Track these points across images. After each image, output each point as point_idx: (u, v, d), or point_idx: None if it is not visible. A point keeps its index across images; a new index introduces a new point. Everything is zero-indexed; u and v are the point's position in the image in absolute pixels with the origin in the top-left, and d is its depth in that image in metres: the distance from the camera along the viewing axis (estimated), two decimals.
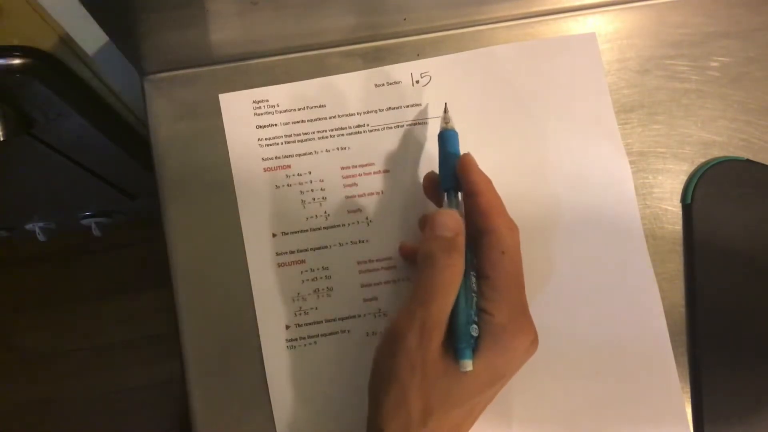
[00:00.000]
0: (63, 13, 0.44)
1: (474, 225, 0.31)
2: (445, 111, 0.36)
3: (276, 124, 0.40)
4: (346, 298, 0.38)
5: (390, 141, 0.40)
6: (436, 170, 0.39)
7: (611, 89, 0.40)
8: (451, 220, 0.30)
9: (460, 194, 0.33)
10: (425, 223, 0.32)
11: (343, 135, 0.40)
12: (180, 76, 0.41)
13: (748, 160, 0.39)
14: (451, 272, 0.29)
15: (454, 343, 0.28)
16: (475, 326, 0.29)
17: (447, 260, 0.29)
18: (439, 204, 0.34)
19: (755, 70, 0.41)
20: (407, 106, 0.40)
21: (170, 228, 0.39)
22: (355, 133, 0.40)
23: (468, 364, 0.28)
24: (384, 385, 0.29)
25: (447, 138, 0.35)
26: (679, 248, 0.38)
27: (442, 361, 0.28)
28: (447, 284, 0.29)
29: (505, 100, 0.40)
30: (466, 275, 0.29)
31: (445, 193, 0.33)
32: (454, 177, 0.33)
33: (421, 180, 0.39)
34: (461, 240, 0.30)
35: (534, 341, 0.30)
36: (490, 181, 0.32)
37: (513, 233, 0.30)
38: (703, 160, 0.40)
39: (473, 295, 0.29)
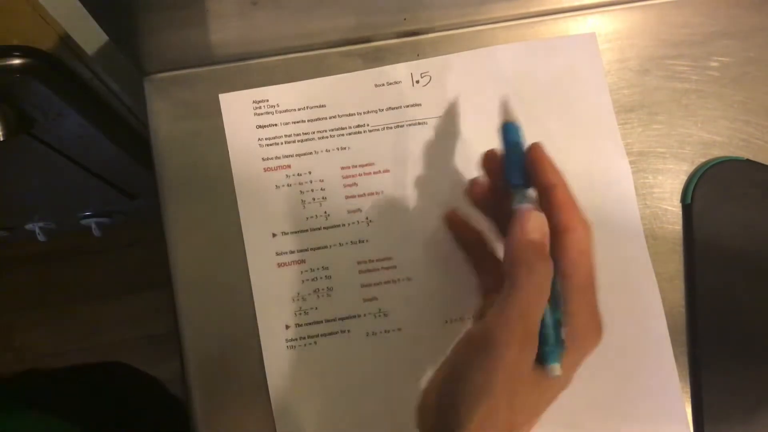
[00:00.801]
0: (63, 13, 0.44)
1: (549, 220, 0.29)
2: (505, 103, 0.33)
3: (276, 124, 0.40)
4: (346, 298, 0.38)
5: (390, 141, 0.40)
6: (436, 170, 0.39)
7: (611, 89, 0.40)
8: (541, 223, 0.29)
9: (530, 189, 0.31)
10: (457, 222, 0.32)
11: (343, 135, 0.40)
12: (180, 76, 0.41)
13: (748, 160, 0.39)
14: (548, 279, 0.28)
15: (542, 347, 0.27)
16: (564, 329, 0.28)
17: (544, 267, 0.28)
18: (488, 213, 0.33)
19: (755, 70, 0.41)
20: (407, 106, 0.40)
21: (170, 228, 0.39)
22: (355, 133, 0.40)
23: (557, 368, 0.27)
24: (474, 398, 0.27)
25: (512, 130, 0.32)
26: (679, 248, 0.38)
27: (534, 371, 0.27)
28: (545, 292, 0.28)
29: (505, 101, 0.40)
30: None
31: (517, 191, 0.30)
32: (524, 171, 0.31)
33: (421, 179, 0.39)
34: (548, 242, 0.29)
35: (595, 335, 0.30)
36: (561, 173, 0.30)
37: (589, 232, 0.29)
38: (703, 160, 0.40)
39: (558, 297, 0.28)
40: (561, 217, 0.29)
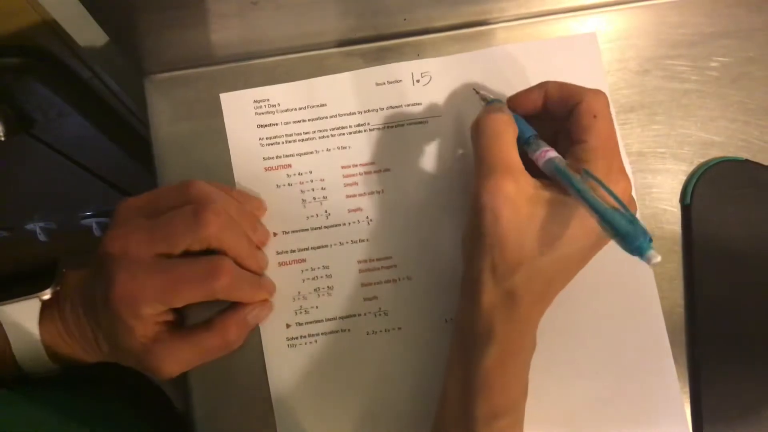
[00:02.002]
0: (63, 13, 0.44)
1: (567, 110, 0.32)
2: (477, 92, 0.38)
3: (277, 124, 0.40)
4: (347, 297, 0.38)
5: (391, 140, 0.40)
6: (437, 169, 0.39)
7: (611, 89, 0.40)
8: (488, 107, 0.34)
9: (541, 143, 0.32)
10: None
11: (343, 134, 0.40)
12: (180, 76, 0.41)
13: (747, 160, 0.39)
14: (494, 121, 0.32)
15: (631, 243, 0.25)
16: (620, 212, 0.26)
17: (489, 115, 0.32)
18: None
19: (755, 70, 0.41)
20: (408, 105, 0.40)
21: None
22: (356, 132, 0.40)
23: (656, 255, 0.24)
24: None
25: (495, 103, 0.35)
26: (679, 248, 0.39)
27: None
28: (497, 133, 0.31)
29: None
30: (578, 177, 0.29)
31: (531, 143, 0.33)
32: (526, 124, 0.34)
33: (422, 179, 0.39)
34: (503, 107, 0.33)
35: (631, 200, 0.31)
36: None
37: (601, 97, 0.32)
38: (702, 160, 0.40)
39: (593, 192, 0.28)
40: (570, 97, 0.32)
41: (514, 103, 0.35)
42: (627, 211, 0.26)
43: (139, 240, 0.32)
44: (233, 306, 0.36)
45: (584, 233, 0.30)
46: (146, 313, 0.32)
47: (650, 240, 0.25)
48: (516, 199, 0.29)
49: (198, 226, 0.32)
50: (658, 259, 0.24)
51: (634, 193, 0.38)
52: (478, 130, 0.32)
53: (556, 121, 0.34)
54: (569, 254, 0.30)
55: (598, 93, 0.32)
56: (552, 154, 0.31)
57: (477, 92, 0.38)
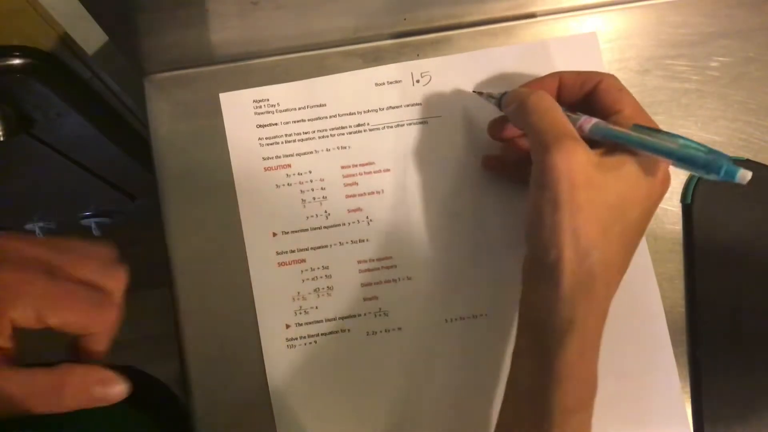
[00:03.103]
0: (63, 13, 0.44)
1: (586, 93, 0.33)
2: (480, 94, 0.38)
3: (276, 124, 0.40)
4: (347, 297, 0.38)
5: (390, 140, 0.40)
6: (437, 170, 0.39)
7: None
8: (516, 90, 0.34)
9: (574, 116, 0.32)
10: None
11: (343, 134, 0.40)
12: (180, 76, 0.41)
13: (748, 160, 0.39)
14: (544, 97, 0.31)
15: (719, 170, 0.25)
16: (691, 145, 0.26)
17: (534, 94, 0.31)
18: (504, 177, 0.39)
19: (755, 70, 0.41)
20: (407, 106, 0.40)
21: (170, 228, 0.39)
22: (356, 132, 0.40)
23: (747, 173, 0.24)
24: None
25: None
26: (679, 248, 0.38)
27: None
28: (550, 107, 0.31)
29: None
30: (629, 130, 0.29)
31: (568, 115, 0.32)
32: None
33: (422, 179, 0.39)
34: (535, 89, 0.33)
35: (667, 177, 0.31)
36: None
37: (616, 78, 0.33)
38: None
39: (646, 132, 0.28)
40: (588, 80, 0.33)
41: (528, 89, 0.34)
42: (700, 144, 0.26)
43: None
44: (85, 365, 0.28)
45: (646, 194, 0.29)
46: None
47: (732, 160, 0.25)
48: (588, 165, 0.28)
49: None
50: (750, 175, 0.24)
51: None
52: (527, 108, 0.31)
53: (571, 107, 0.33)
54: (637, 220, 0.29)
55: (612, 75, 0.33)
56: (593, 120, 0.30)
57: (480, 93, 0.38)
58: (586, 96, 0.33)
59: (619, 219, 0.28)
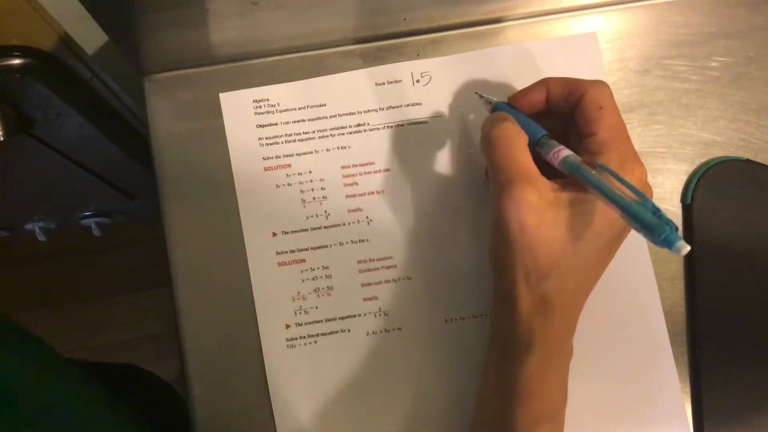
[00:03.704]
0: (63, 13, 0.44)
1: (571, 106, 0.32)
2: (481, 97, 0.37)
3: (276, 124, 0.40)
4: (347, 297, 0.38)
5: (390, 140, 0.40)
6: (437, 170, 0.39)
7: (611, 89, 0.40)
8: (491, 115, 0.33)
9: (553, 143, 0.32)
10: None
11: (343, 134, 0.40)
12: (180, 76, 0.41)
13: (748, 160, 0.39)
14: (505, 131, 0.31)
15: (657, 236, 0.25)
16: (641, 203, 0.26)
17: (497, 126, 0.31)
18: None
19: (755, 70, 0.41)
20: (408, 105, 0.40)
21: (170, 228, 0.39)
22: (356, 132, 0.40)
23: (684, 244, 0.24)
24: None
25: (503, 107, 0.35)
26: None
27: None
28: (509, 143, 0.31)
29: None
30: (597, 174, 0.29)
31: (544, 144, 0.32)
32: (536, 125, 0.33)
33: (422, 179, 0.39)
34: (507, 116, 0.32)
35: (647, 185, 0.31)
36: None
37: (604, 87, 0.32)
38: (703, 160, 0.40)
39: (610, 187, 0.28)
40: (573, 92, 0.32)
41: (516, 102, 0.34)
42: (647, 201, 0.26)
43: None
44: None
45: (608, 226, 0.30)
46: None
47: (676, 229, 0.25)
48: (539, 206, 0.29)
49: None
50: (688, 248, 0.24)
51: None
52: (489, 142, 0.31)
53: (564, 117, 0.33)
54: (596, 250, 0.30)
55: (601, 84, 0.32)
56: (565, 153, 0.31)
57: (480, 96, 0.37)
58: (573, 108, 0.32)
59: (574, 252, 0.29)
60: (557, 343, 0.31)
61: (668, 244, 0.24)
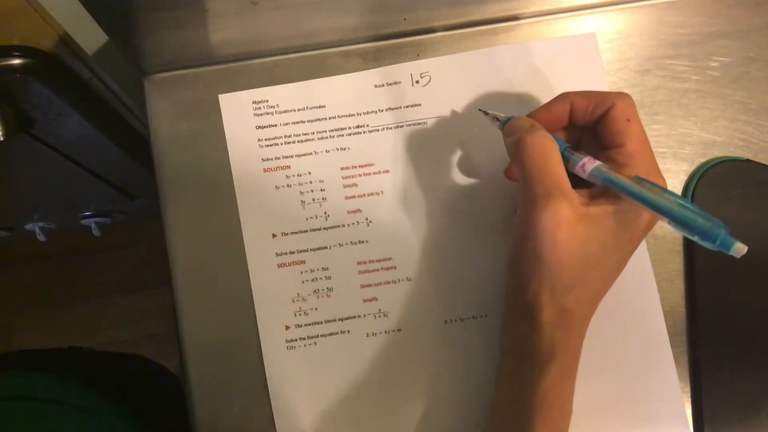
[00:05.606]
0: (63, 13, 0.44)
1: (595, 119, 0.32)
2: (486, 114, 0.36)
3: (276, 125, 0.40)
4: (346, 298, 0.38)
5: (390, 141, 0.40)
6: (436, 170, 0.39)
7: (611, 89, 0.40)
8: (518, 120, 0.32)
9: (578, 154, 0.32)
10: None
11: (342, 135, 0.40)
12: (180, 76, 0.41)
13: (748, 160, 0.39)
14: (541, 140, 0.30)
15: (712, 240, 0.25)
16: (692, 209, 0.26)
17: (532, 133, 0.30)
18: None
19: (755, 70, 0.41)
20: (407, 107, 0.40)
21: (170, 228, 0.39)
22: (355, 133, 0.40)
23: (742, 246, 0.25)
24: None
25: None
26: (679, 248, 0.38)
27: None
28: (545, 153, 0.30)
29: (506, 101, 0.40)
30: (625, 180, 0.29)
31: (570, 156, 0.32)
32: (558, 138, 0.33)
33: (421, 180, 0.39)
34: (537, 124, 0.32)
35: (650, 224, 0.31)
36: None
37: (629, 100, 0.32)
38: (703, 160, 0.40)
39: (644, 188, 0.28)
40: (599, 103, 0.32)
41: (538, 117, 0.33)
42: (697, 207, 0.26)
43: None
44: None
45: (628, 239, 0.30)
46: None
47: (728, 231, 0.25)
48: (573, 221, 0.29)
49: None
50: (745, 249, 0.24)
51: None
52: (524, 150, 0.30)
53: (578, 128, 0.33)
54: (617, 261, 0.31)
55: (626, 96, 0.32)
56: (594, 163, 0.30)
57: (485, 113, 0.36)
58: (598, 120, 0.32)
59: (598, 265, 0.30)
60: (574, 354, 0.31)
61: (725, 247, 0.24)
